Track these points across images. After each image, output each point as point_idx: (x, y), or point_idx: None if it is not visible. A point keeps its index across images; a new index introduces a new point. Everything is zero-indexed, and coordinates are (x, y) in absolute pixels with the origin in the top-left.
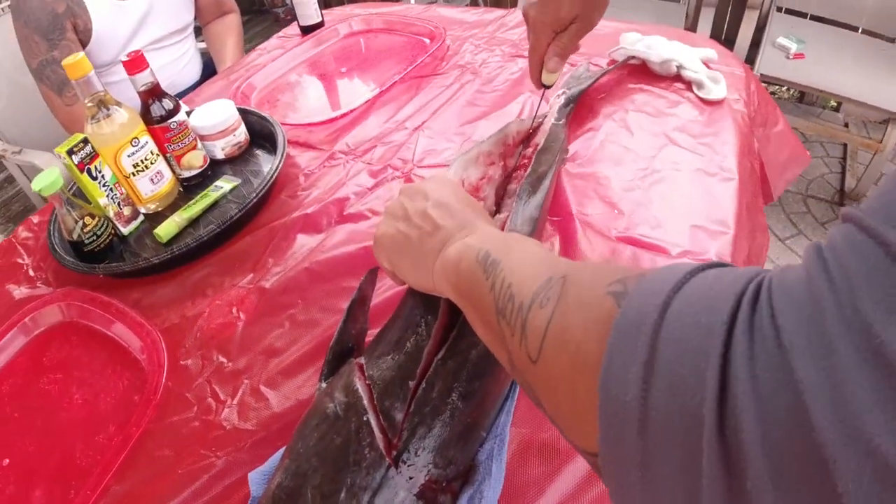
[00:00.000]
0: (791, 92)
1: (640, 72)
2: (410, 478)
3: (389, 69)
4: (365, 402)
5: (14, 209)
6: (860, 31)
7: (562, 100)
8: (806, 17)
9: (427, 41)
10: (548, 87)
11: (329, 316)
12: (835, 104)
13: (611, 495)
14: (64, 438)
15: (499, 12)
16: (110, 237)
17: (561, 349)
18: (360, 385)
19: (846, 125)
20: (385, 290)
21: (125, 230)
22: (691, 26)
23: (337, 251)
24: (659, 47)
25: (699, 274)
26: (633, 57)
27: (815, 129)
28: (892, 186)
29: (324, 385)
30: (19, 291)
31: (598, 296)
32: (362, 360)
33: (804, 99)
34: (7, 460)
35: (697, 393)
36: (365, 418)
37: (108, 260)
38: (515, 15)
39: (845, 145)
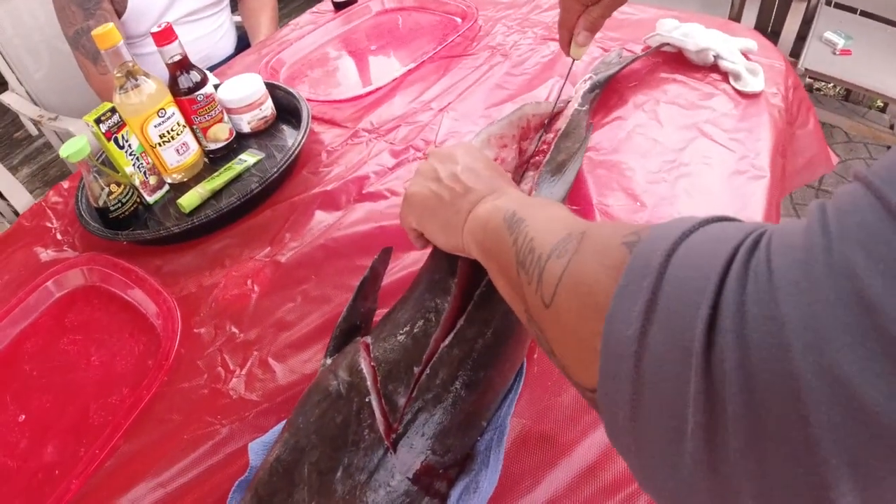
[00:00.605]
0: (837, 89)
1: (676, 60)
2: (407, 462)
3: (420, 48)
4: (368, 383)
5: (52, 174)
6: None
7: (587, 85)
8: (856, 13)
9: (459, 20)
10: (576, 60)
11: (341, 293)
12: (881, 105)
13: (606, 428)
14: (78, 397)
15: None
16: (135, 205)
17: (573, 293)
18: (364, 365)
19: (892, 127)
20: (398, 271)
21: (150, 199)
22: (736, 16)
23: (354, 229)
24: (696, 35)
25: (707, 225)
26: (667, 44)
27: (859, 129)
28: None
29: (328, 361)
30: (46, 254)
31: (614, 246)
32: (369, 339)
33: (850, 97)
34: (23, 416)
35: (690, 327)
36: (367, 399)
37: (132, 227)
38: None
39: (889, 147)
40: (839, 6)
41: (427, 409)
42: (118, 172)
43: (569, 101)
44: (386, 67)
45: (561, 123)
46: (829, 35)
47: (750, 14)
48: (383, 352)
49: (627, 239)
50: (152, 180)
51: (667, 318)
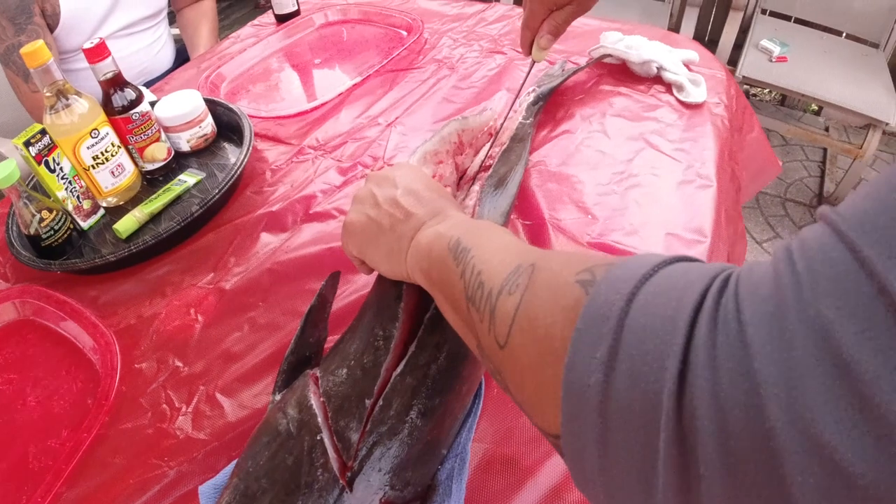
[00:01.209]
0: (772, 94)
1: (620, 72)
2: (365, 501)
3: (365, 61)
4: (319, 419)
5: None
6: (844, 35)
7: (531, 97)
8: (790, 20)
9: (404, 33)
10: (536, 62)
11: (291, 319)
12: (816, 108)
13: (573, 477)
14: (16, 441)
15: (479, 6)
16: (69, 232)
17: (529, 335)
18: (314, 401)
19: (826, 129)
20: (349, 295)
21: (84, 225)
22: (675, 26)
23: (302, 252)
24: (639, 47)
25: (667, 266)
26: (609, 55)
27: (795, 132)
28: (871, 194)
29: (277, 398)
30: None
31: (567, 283)
32: (318, 372)
33: (785, 102)
34: None
35: (658, 379)
36: (319, 437)
37: (67, 254)
38: (495, 9)
39: (825, 149)
40: (774, 14)
41: (382, 443)
42: (50, 198)
43: (508, 114)
44: (331, 81)
45: (505, 137)
46: (765, 43)
47: (689, 24)
48: (333, 385)
49: (581, 277)
50: (86, 205)
51: (631, 368)
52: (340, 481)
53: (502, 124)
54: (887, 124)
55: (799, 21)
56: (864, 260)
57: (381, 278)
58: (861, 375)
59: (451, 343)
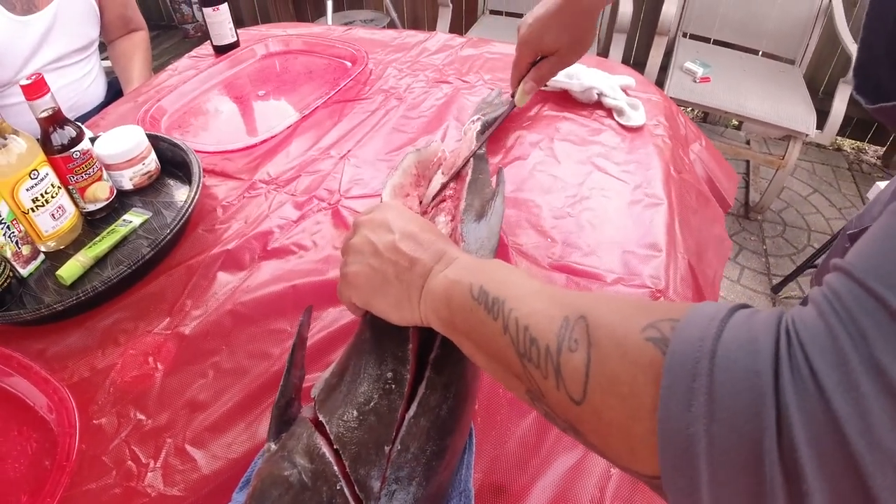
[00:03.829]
0: (695, 112)
1: (562, 99)
2: None
3: (310, 93)
4: (335, 468)
5: None
6: (760, 53)
7: (478, 126)
8: (710, 42)
9: (349, 64)
10: (517, 106)
11: (258, 362)
12: (736, 123)
13: None
14: None
15: (420, 36)
16: (8, 279)
17: (609, 394)
18: (326, 450)
19: (748, 142)
20: (318, 332)
21: (24, 272)
22: (603, 51)
23: (263, 291)
24: (580, 75)
25: (731, 319)
26: (545, 85)
27: (719, 147)
28: (882, 242)
29: (273, 446)
30: None
31: (636, 342)
32: (320, 416)
33: (707, 119)
34: None
35: (756, 425)
36: (338, 487)
37: (7, 304)
38: (437, 39)
39: (748, 161)
40: (695, 37)
41: (403, 488)
42: None
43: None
44: (276, 114)
45: (465, 169)
46: (689, 65)
47: (617, 48)
48: (345, 430)
49: (649, 334)
50: (25, 250)
51: (730, 419)
52: None
53: (438, 154)
54: (807, 136)
55: (718, 42)
56: (892, 308)
57: (373, 317)
58: None
59: (456, 384)
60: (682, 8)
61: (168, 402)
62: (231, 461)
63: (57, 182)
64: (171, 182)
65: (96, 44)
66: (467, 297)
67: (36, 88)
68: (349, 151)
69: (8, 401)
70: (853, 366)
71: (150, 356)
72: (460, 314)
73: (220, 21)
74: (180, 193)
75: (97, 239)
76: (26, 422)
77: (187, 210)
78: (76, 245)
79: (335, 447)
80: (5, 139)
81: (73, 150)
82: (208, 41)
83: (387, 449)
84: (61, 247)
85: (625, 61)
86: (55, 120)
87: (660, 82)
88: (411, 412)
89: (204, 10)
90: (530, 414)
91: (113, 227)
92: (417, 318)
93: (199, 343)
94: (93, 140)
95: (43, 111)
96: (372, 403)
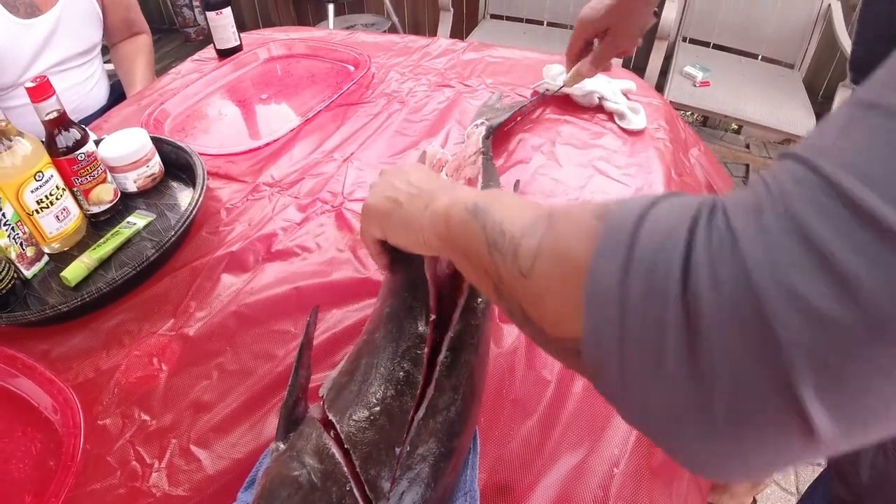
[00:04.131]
0: (695, 116)
1: (563, 102)
2: None
3: (313, 96)
4: (345, 469)
5: None
6: (760, 58)
7: (483, 130)
8: (709, 46)
9: (351, 68)
10: (565, 87)
11: (262, 363)
12: (736, 127)
13: (593, 377)
14: None
15: (422, 41)
16: (13, 281)
17: (552, 260)
18: (335, 450)
19: (748, 146)
20: (321, 334)
21: (28, 273)
22: None
23: (267, 292)
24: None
25: (668, 197)
26: (547, 90)
27: (719, 150)
28: (821, 125)
29: (281, 446)
30: None
31: (585, 218)
32: (330, 416)
33: (707, 123)
34: None
35: (667, 272)
36: (348, 487)
37: (11, 306)
38: (439, 44)
39: (747, 165)
40: (694, 42)
41: (412, 489)
42: None
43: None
44: (279, 117)
45: (470, 171)
46: (688, 69)
47: None
48: (356, 430)
49: (597, 212)
50: (30, 252)
51: (645, 267)
52: None
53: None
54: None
55: (717, 46)
56: (810, 165)
57: (388, 316)
58: (821, 244)
59: (465, 385)
60: (682, 12)
61: (172, 403)
62: (236, 461)
63: (61, 184)
64: (175, 184)
65: (99, 47)
66: (462, 212)
67: (41, 91)
68: (352, 154)
69: (13, 401)
70: (766, 215)
71: (155, 357)
72: (456, 226)
73: (223, 25)
74: (184, 196)
75: (101, 241)
76: (31, 422)
77: (191, 212)
78: (80, 247)
79: (345, 447)
80: (10, 141)
81: (77, 152)
82: (211, 45)
83: (398, 450)
84: (65, 248)
85: (625, 66)
86: (60, 122)
87: (660, 86)
88: (420, 413)
89: (207, 13)
90: (534, 414)
91: (117, 228)
92: (422, 238)
93: (204, 344)
94: (97, 143)
95: (48, 113)
96: (384, 404)
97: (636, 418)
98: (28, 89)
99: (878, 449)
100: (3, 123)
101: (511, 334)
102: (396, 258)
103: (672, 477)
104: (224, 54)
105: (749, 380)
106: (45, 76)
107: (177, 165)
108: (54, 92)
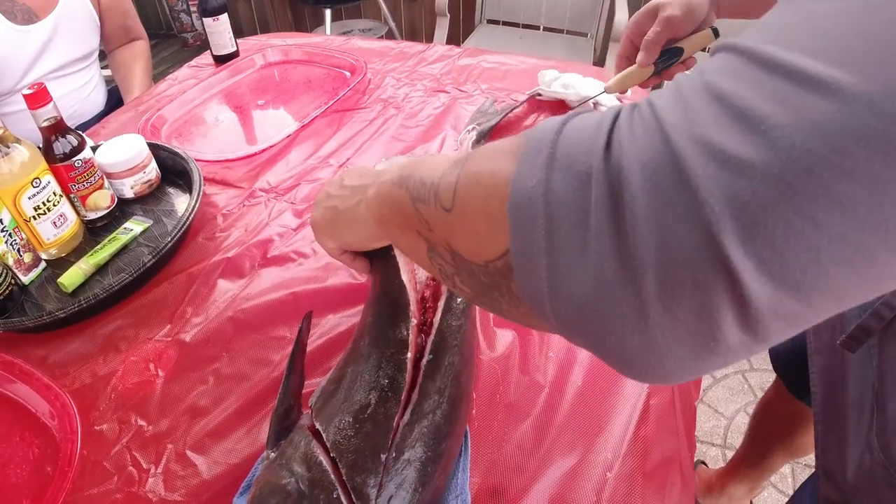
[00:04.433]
0: None
1: (558, 107)
2: None
3: (310, 102)
4: (332, 476)
5: None
6: None
7: (473, 135)
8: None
9: (347, 74)
10: (607, 91)
11: (258, 369)
12: None
13: (520, 285)
14: None
15: (418, 47)
16: (10, 287)
17: (473, 184)
18: (323, 458)
19: None
20: (316, 339)
21: (25, 279)
22: (599, 60)
23: (263, 298)
24: (576, 85)
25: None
26: (539, 94)
27: None
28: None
29: (272, 454)
30: None
31: (506, 143)
32: (316, 424)
33: None
34: None
35: (589, 157)
36: (335, 495)
37: (8, 312)
38: (435, 50)
39: None
40: None
41: (399, 494)
42: None
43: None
44: (276, 123)
45: None
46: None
47: (612, 58)
48: (341, 438)
49: (516, 138)
50: (27, 258)
51: (566, 160)
52: None
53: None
54: None
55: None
56: (732, 46)
57: (371, 324)
58: (735, 100)
59: (450, 387)
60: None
61: (169, 409)
62: (231, 466)
63: (59, 190)
64: (172, 190)
65: (96, 53)
66: (389, 187)
67: (38, 98)
68: (348, 160)
69: (10, 407)
70: (685, 88)
71: (151, 363)
72: (386, 202)
73: (219, 31)
74: (181, 202)
75: (98, 247)
76: (28, 428)
77: (188, 218)
78: (77, 253)
79: (332, 455)
80: (8, 148)
81: (74, 158)
82: (208, 51)
83: (383, 457)
84: (63, 254)
85: None
86: (57, 129)
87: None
88: (405, 419)
89: (204, 20)
90: (528, 418)
91: (114, 235)
92: (364, 231)
93: (200, 350)
94: (94, 149)
95: (45, 120)
96: (368, 411)
97: (570, 318)
98: (25, 96)
99: (865, 447)
100: (1, 130)
101: (505, 339)
102: (373, 261)
103: (665, 481)
104: (221, 60)
105: (675, 243)
106: (42, 83)
107: (173, 171)
108: (51, 99)
